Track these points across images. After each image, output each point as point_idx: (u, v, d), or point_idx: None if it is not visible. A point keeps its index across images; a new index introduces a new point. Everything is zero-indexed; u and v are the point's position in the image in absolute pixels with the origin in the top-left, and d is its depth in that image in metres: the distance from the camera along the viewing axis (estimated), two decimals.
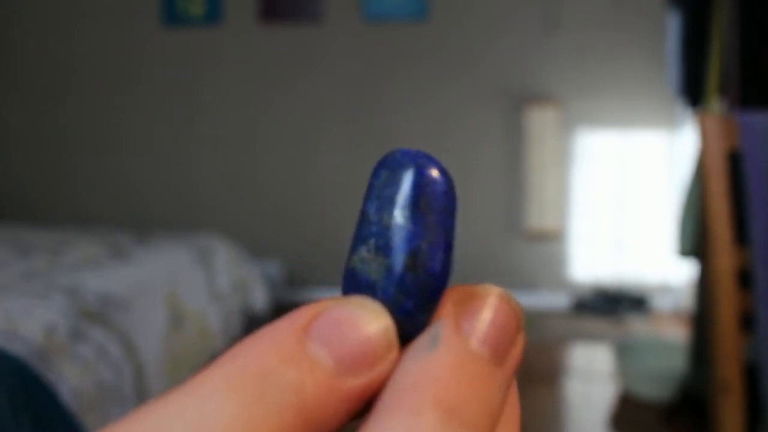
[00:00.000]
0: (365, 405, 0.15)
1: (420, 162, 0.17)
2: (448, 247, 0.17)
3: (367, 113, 3.42)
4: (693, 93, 2.18)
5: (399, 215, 0.16)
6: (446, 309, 0.16)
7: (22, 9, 3.61)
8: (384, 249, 0.16)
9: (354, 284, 0.17)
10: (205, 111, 3.52)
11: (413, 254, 0.16)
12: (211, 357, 2.11)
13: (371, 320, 0.15)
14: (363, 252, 0.17)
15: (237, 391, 0.13)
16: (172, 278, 1.98)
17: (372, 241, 0.17)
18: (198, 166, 3.55)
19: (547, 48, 3.28)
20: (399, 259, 0.16)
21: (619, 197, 3.30)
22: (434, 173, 0.17)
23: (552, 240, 3.35)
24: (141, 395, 1.61)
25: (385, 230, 0.17)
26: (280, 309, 3.34)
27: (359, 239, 0.17)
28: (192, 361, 1.95)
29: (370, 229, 0.17)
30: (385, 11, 3.33)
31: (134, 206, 3.61)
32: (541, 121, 3.24)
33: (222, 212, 3.55)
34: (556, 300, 3.36)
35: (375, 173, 0.17)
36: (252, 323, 2.55)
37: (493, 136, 3.35)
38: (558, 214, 3.27)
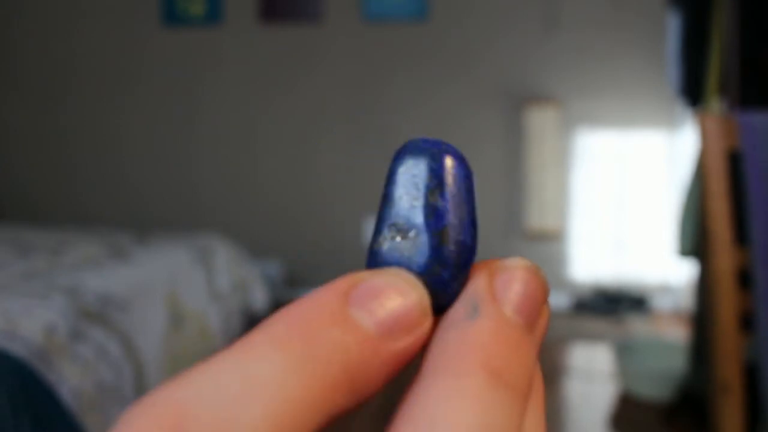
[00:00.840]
0: (401, 369, 0.16)
1: (443, 148, 0.18)
2: (473, 222, 0.18)
3: (367, 113, 3.42)
4: (693, 93, 2.18)
5: (429, 196, 0.18)
6: (481, 281, 0.17)
7: (22, 9, 3.61)
8: (418, 226, 0.18)
9: (383, 263, 0.18)
10: (205, 111, 3.52)
11: (446, 229, 0.18)
12: (211, 357, 2.11)
13: (407, 288, 0.16)
14: (393, 231, 0.18)
15: (286, 350, 0.14)
16: (172, 278, 1.98)
17: (401, 222, 0.18)
18: (198, 166, 3.55)
19: (547, 48, 3.28)
20: (434, 234, 0.17)
21: (619, 197, 3.30)
22: (457, 158, 0.18)
23: (552, 240, 3.35)
24: (141, 395, 1.61)
25: (414, 210, 0.18)
26: (280, 309, 3.34)
27: (386, 220, 0.18)
28: (192, 361, 1.95)
29: (397, 210, 0.18)
30: (385, 11, 3.33)
31: (134, 206, 3.61)
32: (541, 121, 3.24)
33: (222, 212, 3.55)
34: (556, 300, 3.36)
35: (398, 160, 0.18)
36: (252, 323, 2.55)
37: (493, 136, 3.36)
38: (558, 214, 3.27)
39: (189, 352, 1.93)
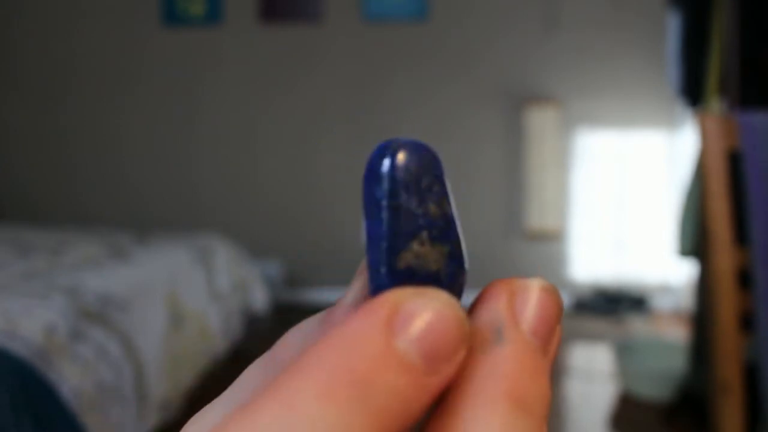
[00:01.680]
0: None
1: (431, 149, 0.18)
2: (455, 216, 0.18)
3: (367, 113, 3.42)
4: (693, 93, 2.18)
5: (441, 203, 0.17)
6: (503, 302, 0.17)
7: (22, 9, 3.61)
8: (440, 238, 0.17)
9: (412, 281, 0.17)
10: (205, 111, 3.52)
11: (459, 238, 0.17)
12: (211, 357, 2.11)
13: (447, 313, 0.15)
14: (416, 246, 0.17)
15: (334, 400, 0.13)
16: (172, 278, 1.98)
17: (425, 234, 0.17)
18: (198, 166, 3.55)
19: (547, 48, 3.28)
20: (454, 242, 0.17)
21: (619, 197, 3.30)
22: (435, 156, 0.18)
23: (552, 240, 3.35)
24: (141, 395, 1.61)
25: (434, 220, 0.17)
26: (280, 309, 3.34)
27: (405, 235, 0.17)
28: (192, 361, 1.95)
29: (417, 222, 0.17)
30: (385, 11, 3.33)
31: (134, 206, 3.61)
32: (541, 121, 3.24)
33: (222, 212, 3.55)
34: None
35: (400, 166, 0.17)
36: (252, 323, 2.55)
37: (493, 136, 3.35)
38: (558, 214, 3.27)
39: (189, 352, 1.94)
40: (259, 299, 2.52)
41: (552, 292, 0.17)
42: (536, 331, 0.16)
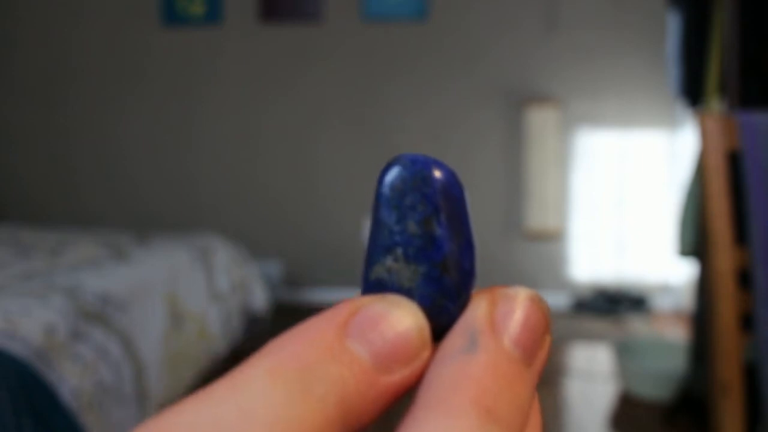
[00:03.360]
0: (398, 399, 0.16)
1: (434, 168, 0.17)
2: (470, 243, 0.18)
3: (367, 113, 3.42)
4: (693, 93, 2.18)
5: (425, 222, 0.17)
6: (481, 310, 0.17)
7: (22, 9, 3.61)
8: (415, 257, 0.17)
9: (382, 291, 0.17)
10: (204, 111, 3.52)
11: (447, 258, 0.17)
12: (211, 357, 2.11)
13: (407, 318, 0.16)
14: (389, 262, 0.17)
15: (283, 383, 0.14)
16: (172, 278, 1.98)
17: (399, 250, 0.17)
18: (198, 166, 3.55)
19: (547, 48, 3.28)
20: (435, 264, 0.17)
21: (620, 197, 3.30)
22: (449, 178, 0.17)
23: (552, 240, 3.35)
24: (141, 395, 1.61)
25: (412, 238, 0.17)
26: (280, 309, 3.34)
27: (381, 249, 0.17)
28: (192, 361, 1.95)
29: (393, 238, 0.17)
30: (385, 11, 3.33)
31: (134, 206, 3.61)
32: (541, 121, 3.24)
33: (222, 212, 3.55)
34: (556, 300, 3.36)
35: (388, 181, 0.17)
36: (252, 323, 2.55)
37: (493, 136, 3.35)
38: (558, 214, 3.27)
39: (189, 352, 1.93)
40: (259, 299, 2.52)
41: (538, 302, 0.17)
42: (519, 340, 0.16)
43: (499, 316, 0.16)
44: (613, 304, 3.17)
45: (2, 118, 3.68)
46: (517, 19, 3.30)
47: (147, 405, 1.64)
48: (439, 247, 0.17)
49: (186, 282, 2.04)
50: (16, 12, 3.62)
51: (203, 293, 2.12)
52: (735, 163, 1.25)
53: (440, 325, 0.17)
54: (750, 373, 1.53)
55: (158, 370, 1.72)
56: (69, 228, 3.67)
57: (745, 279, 1.12)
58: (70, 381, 1.35)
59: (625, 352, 2.34)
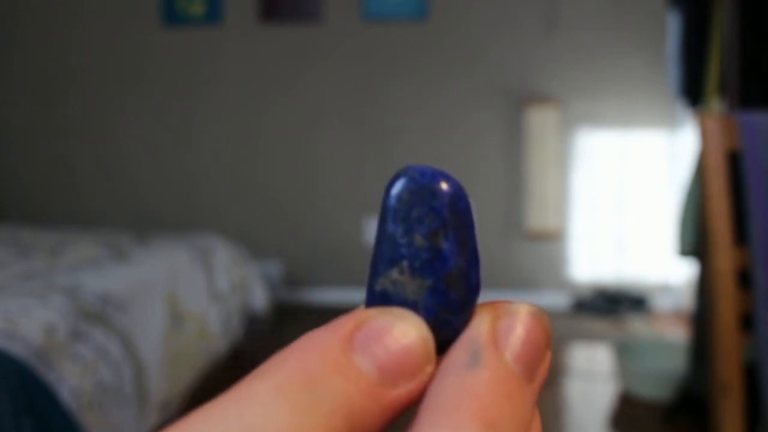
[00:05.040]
0: (403, 412, 0.16)
1: (441, 181, 0.17)
2: (476, 256, 0.18)
3: (367, 113, 3.42)
4: (693, 93, 2.18)
5: (432, 236, 0.17)
6: (484, 325, 0.17)
7: (22, 9, 3.61)
8: (421, 270, 0.17)
9: (387, 304, 0.17)
10: (204, 111, 3.52)
11: (453, 272, 0.17)
12: (211, 357, 2.11)
13: (411, 332, 0.16)
14: (394, 274, 0.17)
15: (288, 399, 0.14)
16: (172, 278, 1.97)
17: (405, 263, 0.17)
18: (198, 166, 3.55)
19: (547, 48, 3.28)
20: (441, 278, 0.17)
21: (620, 197, 3.30)
22: (456, 191, 0.17)
23: (552, 240, 3.35)
24: (141, 395, 1.61)
25: (419, 251, 0.17)
26: (280, 309, 3.34)
27: (386, 261, 0.17)
28: (192, 361, 1.95)
29: (399, 251, 0.17)
30: (385, 11, 3.33)
31: (134, 206, 3.61)
32: (541, 121, 3.24)
33: (222, 212, 3.55)
34: (556, 300, 3.36)
35: (395, 193, 0.17)
36: (252, 323, 2.55)
37: (493, 136, 3.35)
38: (558, 214, 3.27)
39: (189, 352, 1.93)
40: (259, 299, 2.52)
41: (539, 318, 0.17)
42: (520, 357, 0.16)
43: (502, 331, 0.17)
44: (613, 304, 3.17)
45: (2, 118, 3.68)
46: (517, 19, 3.30)
47: (147, 405, 1.64)
48: (446, 260, 0.17)
49: (186, 282, 2.04)
50: (16, 12, 3.62)
51: (203, 293, 2.12)
52: (735, 163, 1.25)
53: (444, 339, 0.17)
54: (750, 373, 1.53)
55: (158, 370, 1.72)
56: (69, 228, 3.67)
57: (745, 279, 1.12)
58: (70, 381, 1.35)
59: (625, 352, 2.34)
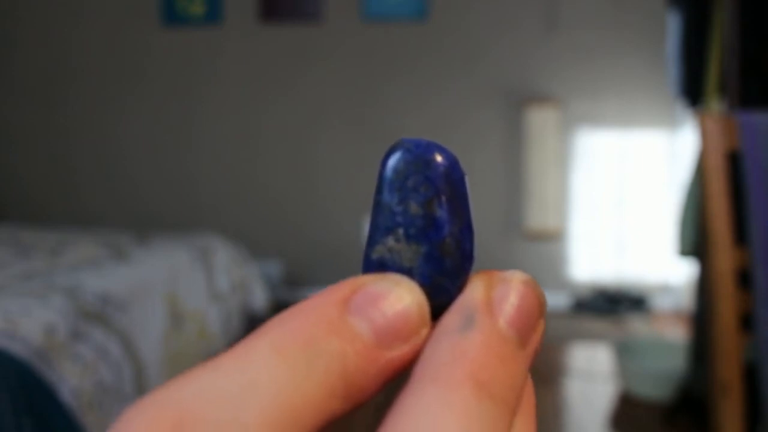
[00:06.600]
0: (398, 374, 0.16)
1: (436, 152, 0.18)
2: (470, 226, 0.18)
3: (367, 113, 3.42)
4: (693, 93, 2.18)
5: (427, 204, 0.17)
6: (479, 291, 0.17)
7: (22, 9, 3.61)
8: (416, 237, 0.17)
9: (383, 270, 0.18)
10: (204, 111, 3.52)
11: (448, 239, 0.17)
12: (211, 357, 2.11)
13: (407, 296, 0.16)
14: (390, 242, 0.18)
15: (286, 357, 0.14)
16: (172, 278, 1.98)
17: (401, 231, 0.17)
18: (198, 166, 3.55)
19: (547, 48, 3.28)
20: (436, 245, 0.17)
21: (620, 197, 3.30)
22: (450, 161, 0.18)
23: (552, 240, 3.35)
24: (141, 395, 1.61)
25: (414, 219, 0.17)
26: (280, 309, 3.34)
27: (382, 229, 0.18)
28: (192, 361, 1.95)
29: (395, 219, 0.18)
30: (385, 11, 3.33)
31: (134, 206, 3.61)
32: (541, 121, 3.24)
33: (222, 212, 3.55)
34: (556, 300, 3.36)
35: (390, 164, 0.18)
36: (252, 323, 2.55)
37: (493, 136, 3.35)
38: (558, 214, 3.27)
39: (189, 352, 1.94)
40: (259, 299, 2.52)
41: (533, 286, 0.18)
42: (514, 322, 0.17)
43: (496, 297, 0.17)
44: (613, 304, 3.17)
45: (2, 118, 3.68)
46: (517, 19, 3.30)
47: None
48: (440, 228, 0.17)
49: (186, 282, 2.04)
50: (16, 12, 3.62)
51: (203, 293, 2.12)
52: (735, 163, 1.25)
53: (439, 304, 0.17)
54: (750, 373, 1.53)
55: (158, 370, 1.72)
56: (69, 228, 3.67)
57: (745, 279, 1.12)
58: (70, 381, 1.35)
59: (625, 352, 2.34)
